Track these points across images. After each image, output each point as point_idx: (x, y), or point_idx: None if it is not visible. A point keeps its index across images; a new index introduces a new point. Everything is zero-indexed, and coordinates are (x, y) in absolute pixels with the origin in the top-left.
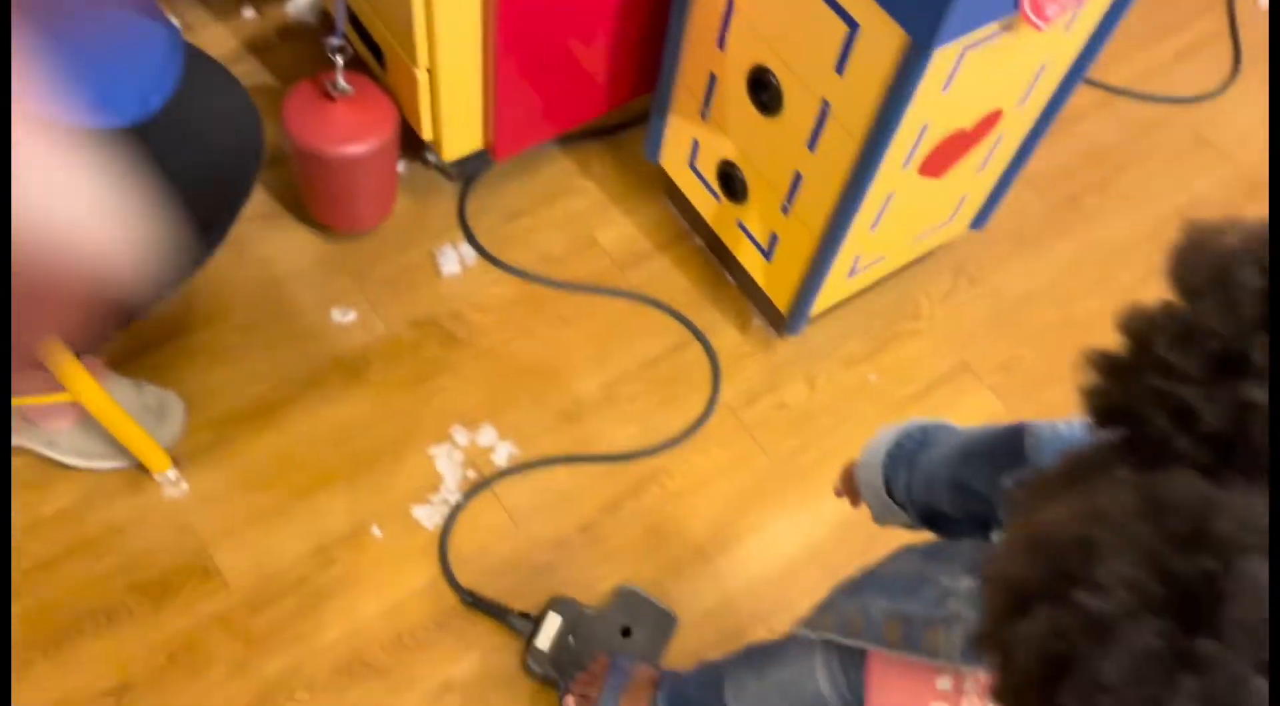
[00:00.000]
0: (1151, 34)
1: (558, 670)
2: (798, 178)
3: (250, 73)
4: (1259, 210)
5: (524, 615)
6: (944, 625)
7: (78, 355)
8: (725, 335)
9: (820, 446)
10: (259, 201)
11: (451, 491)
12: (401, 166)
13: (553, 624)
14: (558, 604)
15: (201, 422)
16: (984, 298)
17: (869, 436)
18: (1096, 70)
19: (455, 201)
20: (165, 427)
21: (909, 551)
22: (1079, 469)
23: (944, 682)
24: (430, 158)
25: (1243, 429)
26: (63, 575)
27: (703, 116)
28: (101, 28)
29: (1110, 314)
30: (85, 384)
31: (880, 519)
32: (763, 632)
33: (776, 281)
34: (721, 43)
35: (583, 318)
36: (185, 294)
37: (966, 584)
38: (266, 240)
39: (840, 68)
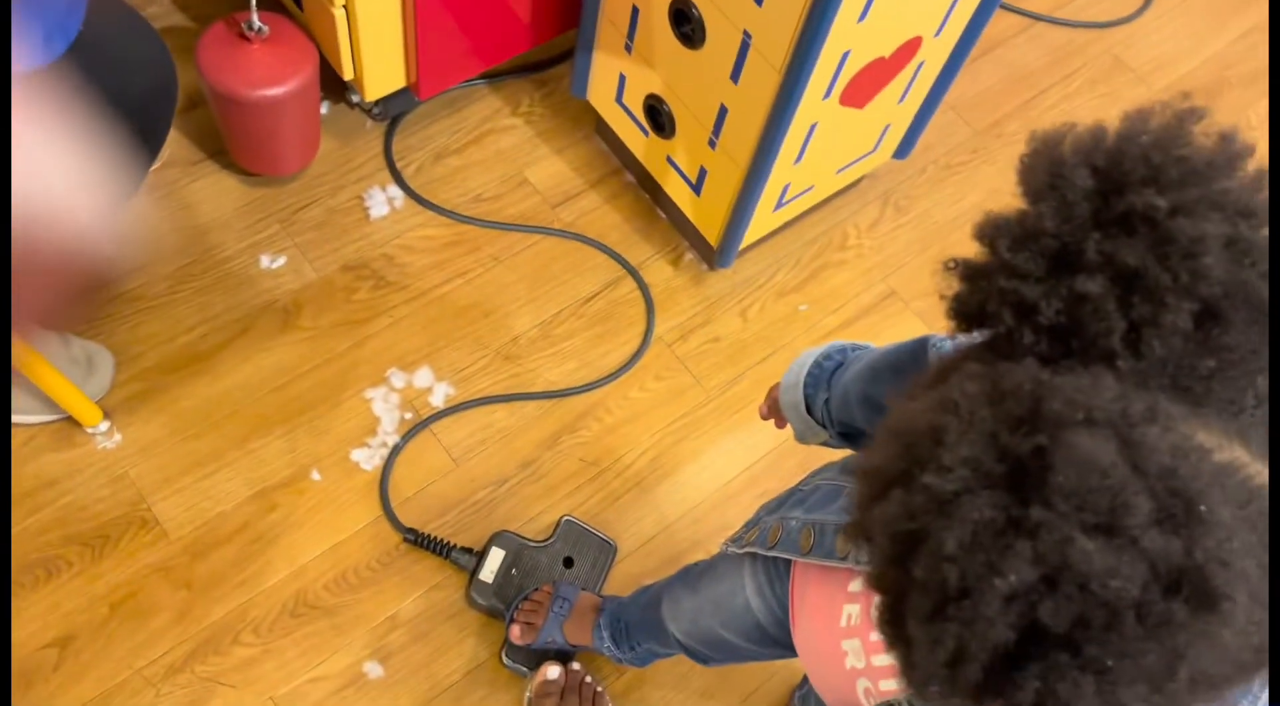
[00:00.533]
0: None
1: (502, 601)
2: (723, 111)
3: (161, 14)
4: None
5: (467, 550)
6: None
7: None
8: (658, 270)
9: (753, 376)
10: (179, 147)
11: (389, 433)
12: (325, 108)
13: (495, 557)
14: (500, 538)
15: (132, 374)
16: (911, 225)
17: None
18: None
19: (381, 143)
20: (94, 380)
21: (828, 466)
22: (946, 369)
23: (855, 584)
24: (354, 98)
25: (1078, 319)
26: None
27: (627, 50)
28: None
29: None
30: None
31: (802, 437)
32: (700, 556)
33: (706, 215)
34: None
35: (516, 257)
36: None
37: None
38: (189, 187)
39: None
